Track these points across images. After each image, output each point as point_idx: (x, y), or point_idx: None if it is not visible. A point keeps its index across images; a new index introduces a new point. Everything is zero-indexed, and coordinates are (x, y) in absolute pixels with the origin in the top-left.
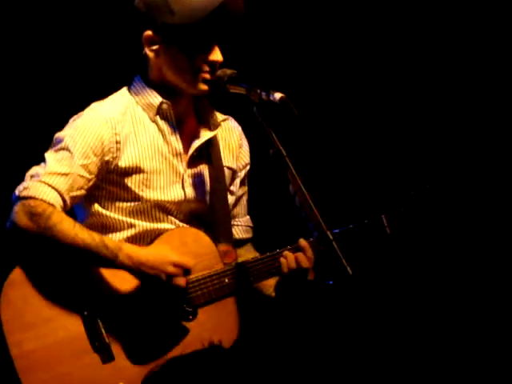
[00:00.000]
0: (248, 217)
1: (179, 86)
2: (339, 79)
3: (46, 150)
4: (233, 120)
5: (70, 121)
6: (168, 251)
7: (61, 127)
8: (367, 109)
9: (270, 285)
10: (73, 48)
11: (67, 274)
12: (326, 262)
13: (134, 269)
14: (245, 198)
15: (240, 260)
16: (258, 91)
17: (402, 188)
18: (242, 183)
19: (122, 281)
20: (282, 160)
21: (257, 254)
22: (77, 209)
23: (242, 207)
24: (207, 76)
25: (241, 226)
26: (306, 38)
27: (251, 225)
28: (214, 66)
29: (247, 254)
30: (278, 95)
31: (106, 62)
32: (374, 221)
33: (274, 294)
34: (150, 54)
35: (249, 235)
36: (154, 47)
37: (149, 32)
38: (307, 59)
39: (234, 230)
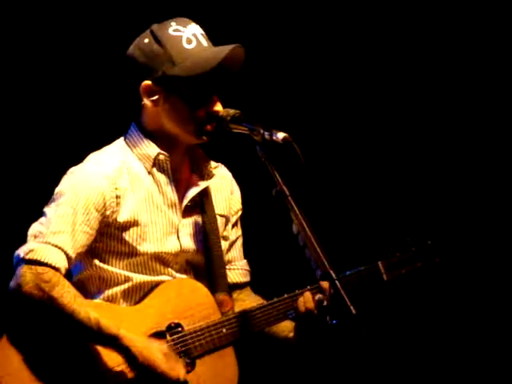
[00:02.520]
0: (245, 260)
1: (179, 136)
2: (339, 116)
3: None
4: (223, 167)
5: (68, 173)
6: (158, 351)
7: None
8: (368, 148)
9: (285, 326)
10: (66, 91)
11: (59, 346)
12: (328, 304)
13: (127, 357)
14: (239, 242)
15: (240, 306)
16: (261, 131)
17: (397, 233)
18: (234, 227)
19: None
20: (285, 199)
21: (258, 298)
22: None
23: (236, 251)
24: (209, 128)
25: (238, 270)
26: (304, 72)
27: (248, 268)
28: (214, 117)
29: (248, 298)
30: (280, 135)
31: (99, 109)
32: (370, 267)
33: (292, 336)
34: (149, 104)
35: (246, 279)
36: (154, 97)
37: (148, 82)
38: (308, 94)
39: (230, 274)
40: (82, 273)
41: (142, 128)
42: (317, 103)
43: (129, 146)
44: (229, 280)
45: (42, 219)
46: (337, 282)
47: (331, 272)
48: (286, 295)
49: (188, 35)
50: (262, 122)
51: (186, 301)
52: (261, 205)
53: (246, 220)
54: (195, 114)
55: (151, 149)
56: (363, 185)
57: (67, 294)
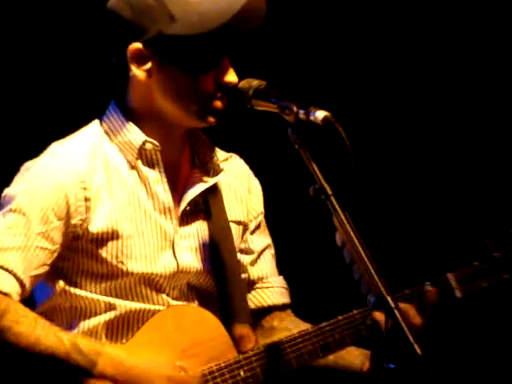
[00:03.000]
0: (281, 277)
1: (177, 117)
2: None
3: None
4: (237, 158)
5: (22, 170)
6: (165, 358)
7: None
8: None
9: (354, 356)
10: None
11: None
12: (384, 339)
13: (119, 379)
14: (269, 253)
15: (283, 335)
16: (295, 108)
17: (473, 233)
18: (256, 234)
19: None
20: (327, 200)
21: (307, 326)
22: (35, 288)
23: (267, 264)
24: (218, 105)
25: (273, 289)
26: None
27: (287, 286)
28: (227, 90)
29: (293, 325)
30: (320, 114)
31: (66, 83)
32: (438, 282)
33: (367, 367)
34: (139, 75)
35: (286, 300)
36: (145, 66)
37: (137, 45)
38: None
39: (264, 294)
40: (47, 302)
41: (124, 108)
42: (367, 75)
43: (106, 132)
44: (262, 303)
45: None
46: (396, 311)
47: (389, 299)
48: (324, 323)
49: None
50: (294, 97)
51: (190, 335)
52: (293, 208)
53: (273, 229)
54: (200, 87)
55: (134, 135)
56: (424, 178)
57: (24, 319)
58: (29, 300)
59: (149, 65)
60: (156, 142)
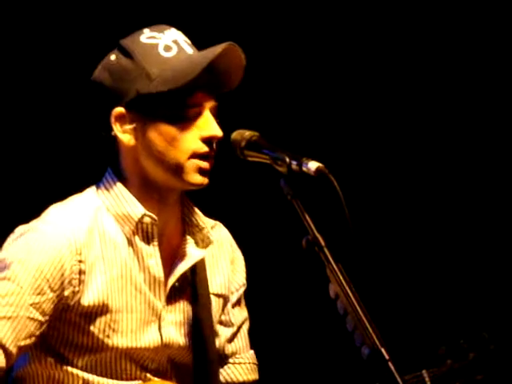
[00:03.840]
0: (252, 351)
1: (165, 179)
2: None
3: None
4: (220, 226)
5: (17, 234)
6: None
7: None
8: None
9: None
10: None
11: None
12: None
13: None
14: (245, 328)
15: None
16: (287, 159)
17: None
18: (236, 307)
19: None
20: (320, 252)
21: None
22: None
23: (242, 339)
24: (205, 165)
25: (245, 365)
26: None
27: (256, 362)
28: (211, 144)
29: None
30: (313, 165)
31: (64, 149)
32: (413, 378)
33: None
34: (124, 139)
35: (255, 376)
36: (129, 128)
37: (119, 109)
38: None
39: (235, 370)
40: (25, 367)
41: (120, 176)
42: (357, 120)
43: (103, 201)
44: (233, 379)
45: None
46: (390, 364)
47: (383, 351)
48: None
49: (166, 42)
50: (285, 147)
51: None
52: (285, 260)
53: (265, 282)
54: (184, 143)
55: (134, 207)
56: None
57: None
58: None
59: (132, 126)
60: (154, 216)
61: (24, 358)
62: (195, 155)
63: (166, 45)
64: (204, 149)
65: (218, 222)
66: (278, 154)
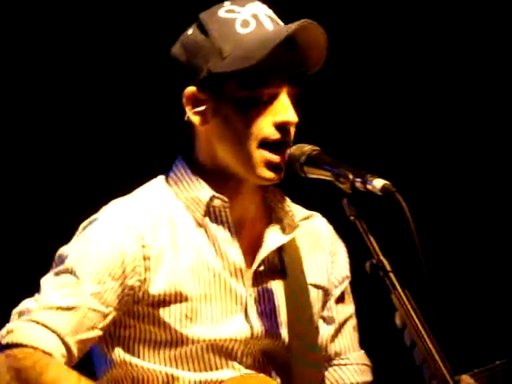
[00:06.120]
0: (362, 351)
1: (236, 169)
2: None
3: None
4: (320, 217)
5: (80, 229)
6: None
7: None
8: None
9: None
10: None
11: None
12: None
13: None
14: (350, 324)
15: None
16: (351, 176)
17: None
18: (340, 303)
19: None
20: (385, 277)
21: None
22: (95, 356)
23: (348, 338)
24: (275, 159)
25: (352, 366)
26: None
27: (368, 363)
28: (285, 131)
29: None
30: (379, 183)
31: (130, 136)
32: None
33: None
34: (195, 120)
35: (367, 378)
36: (200, 108)
37: (191, 88)
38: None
39: (341, 372)
40: (107, 373)
41: (191, 163)
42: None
43: (171, 185)
44: (339, 382)
45: (37, 294)
46: None
47: None
48: None
49: (245, 16)
50: (350, 163)
51: None
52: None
53: None
54: (255, 128)
55: (202, 191)
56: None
57: (67, 377)
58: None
59: (202, 108)
60: (225, 198)
61: (103, 362)
62: (266, 144)
63: (245, 20)
64: (275, 136)
65: (315, 213)
66: (340, 171)
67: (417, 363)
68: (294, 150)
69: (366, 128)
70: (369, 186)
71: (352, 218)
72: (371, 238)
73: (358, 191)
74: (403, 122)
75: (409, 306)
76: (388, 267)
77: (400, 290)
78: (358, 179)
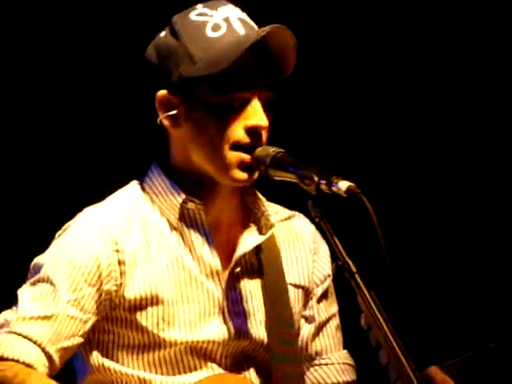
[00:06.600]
0: (345, 351)
1: (209, 171)
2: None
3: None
4: (301, 217)
5: (56, 237)
6: None
7: None
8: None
9: None
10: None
11: None
12: None
13: None
14: (333, 324)
15: None
16: (316, 178)
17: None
18: (322, 302)
19: None
20: (351, 279)
21: None
22: (75, 361)
23: (330, 337)
24: (245, 158)
25: (333, 366)
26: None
27: (351, 362)
28: (256, 135)
29: None
30: (344, 184)
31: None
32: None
33: None
34: (168, 124)
35: (348, 377)
36: (172, 112)
37: (163, 92)
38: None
39: (322, 372)
40: (87, 377)
41: (166, 165)
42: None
43: (145, 191)
44: (320, 381)
45: (14, 306)
46: None
47: None
48: None
49: (217, 20)
50: (314, 165)
51: None
52: None
53: None
54: (227, 132)
55: (176, 195)
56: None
57: None
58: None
59: (176, 112)
60: (198, 201)
61: (85, 367)
62: (237, 146)
63: (216, 23)
64: (246, 139)
65: (297, 213)
66: (305, 173)
67: (382, 364)
68: (259, 152)
69: (333, 130)
70: (334, 188)
71: (317, 219)
72: (336, 240)
73: (323, 193)
74: (368, 123)
75: (374, 308)
76: (354, 268)
77: (365, 292)
78: (323, 181)
